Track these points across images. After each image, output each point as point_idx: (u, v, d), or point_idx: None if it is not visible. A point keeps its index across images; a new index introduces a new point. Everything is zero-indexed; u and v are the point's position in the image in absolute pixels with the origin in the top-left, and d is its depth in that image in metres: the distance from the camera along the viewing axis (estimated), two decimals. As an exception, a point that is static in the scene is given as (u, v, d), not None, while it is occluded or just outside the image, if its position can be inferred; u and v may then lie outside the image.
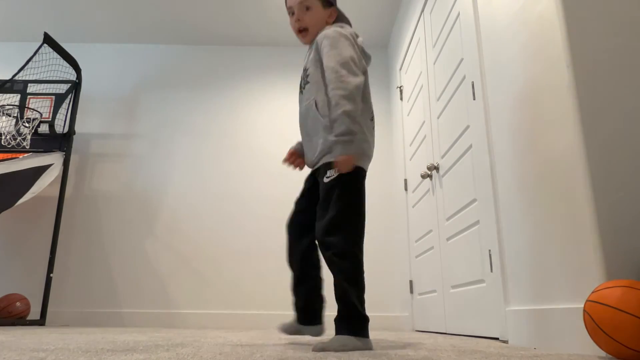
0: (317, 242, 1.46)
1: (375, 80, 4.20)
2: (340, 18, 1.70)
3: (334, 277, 1.36)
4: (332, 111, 1.40)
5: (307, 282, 1.54)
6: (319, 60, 1.53)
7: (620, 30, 1.29)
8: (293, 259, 1.55)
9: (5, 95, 3.70)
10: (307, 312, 1.53)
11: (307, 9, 1.60)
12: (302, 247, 1.53)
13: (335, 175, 1.41)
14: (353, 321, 1.33)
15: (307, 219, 1.53)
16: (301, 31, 1.63)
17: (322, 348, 1.24)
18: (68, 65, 3.84)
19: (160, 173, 3.96)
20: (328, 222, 1.39)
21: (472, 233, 2.06)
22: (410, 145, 3.28)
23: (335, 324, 1.35)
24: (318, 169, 1.49)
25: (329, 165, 1.43)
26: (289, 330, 1.53)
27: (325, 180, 1.43)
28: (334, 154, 1.41)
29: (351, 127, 1.36)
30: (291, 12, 1.64)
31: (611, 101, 1.23)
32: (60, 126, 3.73)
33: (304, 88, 1.57)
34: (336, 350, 1.23)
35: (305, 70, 1.59)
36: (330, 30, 1.55)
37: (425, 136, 2.88)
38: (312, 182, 1.58)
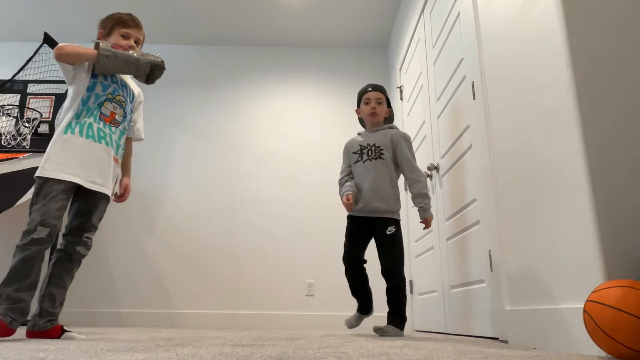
0: (386, 271, 2.18)
1: (375, 80, 4.18)
2: (392, 116, 2.53)
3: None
4: (416, 188, 2.25)
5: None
6: (392, 149, 2.30)
7: (620, 31, 1.29)
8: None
9: (5, 95, 3.70)
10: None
11: (380, 103, 2.40)
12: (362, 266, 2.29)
13: (394, 230, 2.24)
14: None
15: (363, 251, 2.31)
16: (373, 114, 2.38)
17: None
18: (68, 65, 3.83)
19: (160, 173, 3.96)
20: (393, 258, 2.21)
21: (472, 233, 2.06)
22: (410, 145, 3.28)
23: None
24: (377, 218, 2.25)
25: (391, 222, 2.24)
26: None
27: (388, 232, 2.22)
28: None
29: (430, 201, 2.26)
30: (366, 102, 2.41)
31: (611, 101, 1.24)
32: (60, 126, 3.73)
33: (375, 159, 2.29)
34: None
35: (377, 146, 2.30)
36: (405, 134, 2.37)
37: (425, 136, 2.88)
38: (364, 225, 2.29)
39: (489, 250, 1.84)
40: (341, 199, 2.30)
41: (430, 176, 2.72)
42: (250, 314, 3.56)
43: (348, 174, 2.38)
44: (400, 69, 3.66)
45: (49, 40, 3.63)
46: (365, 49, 4.29)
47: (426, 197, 2.22)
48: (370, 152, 2.31)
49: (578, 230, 1.23)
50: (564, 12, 1.32)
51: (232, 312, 3.57)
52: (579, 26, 1.30)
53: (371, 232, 2.28)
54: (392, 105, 4.19)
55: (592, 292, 1.01)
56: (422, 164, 2.95)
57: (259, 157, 4.00)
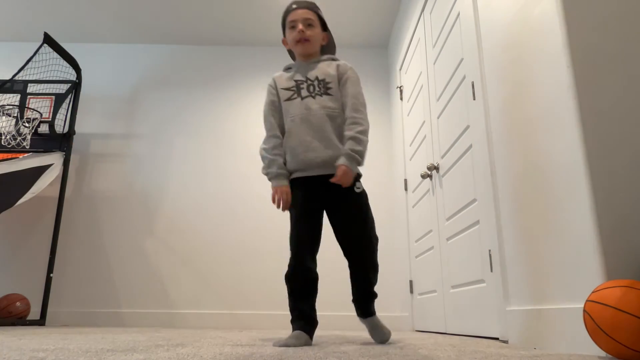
0: (359, 243, 1.67)
1: (375, 80, 4.21)
2: (332, 44, 1.95)
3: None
4: (353, 129, 1.66)
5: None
6: (339, 81, 1.77)
7: (620, 31, 1.29)
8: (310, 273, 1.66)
9: (5, 95, 3.70)
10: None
11: (310, 25, 1.81)
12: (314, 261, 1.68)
13: (362, 188, 1.70)
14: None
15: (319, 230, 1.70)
16: (303, 41, 1.80)
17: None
18: (68, 65, 3.84)
19: (160, 173, 3.96)
20: (369, 224, 1.69)
21: (472, 233, 2.06)
22: (410, 145, 3.28)
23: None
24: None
25: (356, 177, 1.68)
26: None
27: (357, 190, 1.67)
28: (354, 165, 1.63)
29: (364, 151, 1.66)
30: (291, 26, 1.81)
31: (611, 101, 1.24)
32: (60, 126, 3.73)
33: (321, 95, 1.74)
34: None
35: (322, 80, 1.76)
36: (353, 70, 1.82)
37: (425, 136, 2.88)
38: (314, 192, 1.69)
39: (489, 250, 1.84)
40: (271, 181, 1.71)
41: (430, 176, 2.72)
42: (250, 314, 3.56)
43: (277, 135, 1.77)
44: (400, 69, 3.66)
45: (49, 40, 3.63)
46: (365, 49, 4.29)
47: (360, 143, 1.63)
48: (312, 87, 1.76)
49: (578, 230, 1.23)
50: (564, 12, 1.32)
51: (232, 312, 3.57)
52: (579, 26, 1.30)
53: (324, 200, 1.69)
54: (392, 105, 4.24)
55: (592, 292, 1.01)
56: (422, 164, 2.95)
57: (259, 157, 3.99)
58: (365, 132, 1.65)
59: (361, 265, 1.66)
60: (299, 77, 1.79)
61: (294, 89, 1.77)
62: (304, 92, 1.75)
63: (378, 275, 1.69)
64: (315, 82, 1.76)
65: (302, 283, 1.61)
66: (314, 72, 1.78)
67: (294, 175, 1.72)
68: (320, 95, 1.73)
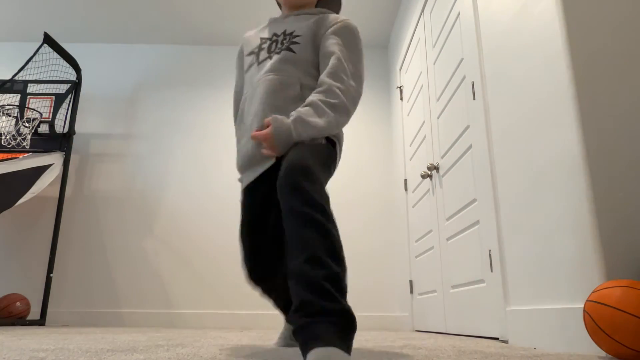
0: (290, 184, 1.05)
1: (375, 80, 4.21)
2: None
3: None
4: (318, 95, 1.14)
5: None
6: (316, 37, 1.26)
7: (620, 31, 1.29)
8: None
9: (5, 95, 3.70)
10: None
11: None
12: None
13: (324, 142, 1.23)
14: None
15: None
16: None
17: None
18: (68, 65, 3.84)
19: (160, 173, 3.96)
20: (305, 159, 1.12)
21: (472, 233, 2.06)
22: (410, 145, 3.28)
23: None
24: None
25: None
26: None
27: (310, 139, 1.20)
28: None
29: (325, 128, 1.13)
30: None
31: (611, 101, 1.24)
32: (60, 126, 3.73)
33: (277, 53, 1.26)
34: None
35: (290, 34, 1.27)
36: (354, 25, 1.28)
37: (425, 136, 2.88)
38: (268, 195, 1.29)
39: (489, 250, 1.84)
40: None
41: (430, 176, 2.72)
42: (250, 314, 3.56)
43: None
44: (400, 69, 3.66)
45: (49, 40, 3.63)
46: (365, 49, 4.29)
47: (323, 114, 1.11)
48: (275, 44, 1.29)
49: (578, 230, 1.23)
50: (564, 12, 1.32)
51: (232, 312, 3.57)
52: (579, 26, 1.30)
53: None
54: (392, 105, 4.24)
55: (592, 292, 1.01)
56: (422, 164, 2.95)
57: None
58: (337, 108, 1.12)
59: (288, 224, 0.94)
60: (266, 33, 1.33)
61: (256, 50, 1.32)
62: (262, 54, 1.29)
63: (337, 252, 0.90)
64: (281, 37, 1.29)
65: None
66: (286, 24, 1.31)
67: (242, 184, 1.32)
68: (278, 53, 1.25)
